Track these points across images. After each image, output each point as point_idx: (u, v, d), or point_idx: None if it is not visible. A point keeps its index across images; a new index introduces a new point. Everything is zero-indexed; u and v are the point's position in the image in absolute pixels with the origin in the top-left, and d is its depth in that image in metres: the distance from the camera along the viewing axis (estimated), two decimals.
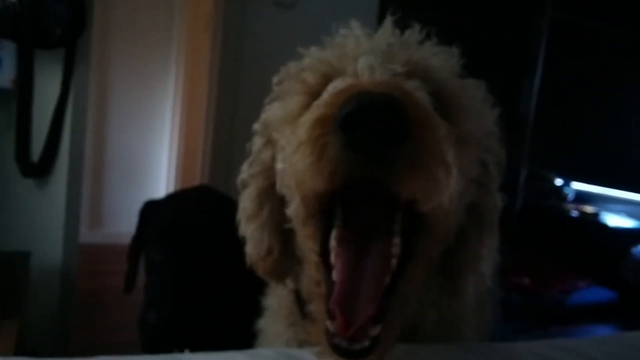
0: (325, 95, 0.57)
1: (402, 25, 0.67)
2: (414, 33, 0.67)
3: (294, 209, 0.61)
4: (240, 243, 0.76)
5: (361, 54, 0.60)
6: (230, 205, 0.81)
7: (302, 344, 0.76)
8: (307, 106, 0.61)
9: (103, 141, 4.02)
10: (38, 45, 1.79)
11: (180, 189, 1.38)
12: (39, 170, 1.90)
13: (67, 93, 1.91)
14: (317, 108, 0.54)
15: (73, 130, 1.94)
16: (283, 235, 0.70)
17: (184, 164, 4.01)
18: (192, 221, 1.14)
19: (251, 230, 0.74)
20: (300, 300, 0.74)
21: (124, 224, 3.93)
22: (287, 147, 0.60)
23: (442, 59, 0.63)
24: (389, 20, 0.68)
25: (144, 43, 4.00)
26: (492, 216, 0.70)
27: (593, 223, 2.91)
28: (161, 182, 4.21)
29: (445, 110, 0.60)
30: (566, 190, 3.16)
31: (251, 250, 0.74)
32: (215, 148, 2.33)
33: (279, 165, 0.66)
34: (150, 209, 1.26)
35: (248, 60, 2.34)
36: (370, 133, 0.47)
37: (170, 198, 1.30)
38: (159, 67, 4.07)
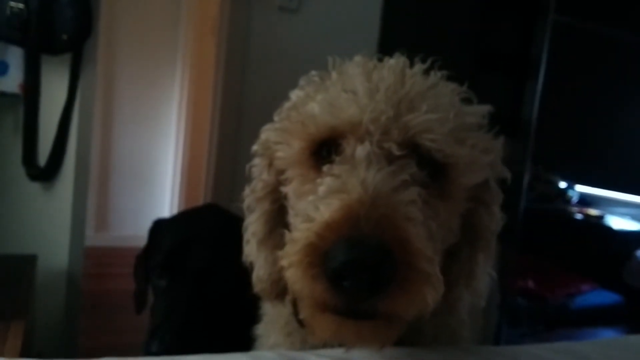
0: (317, 223, 0.53)
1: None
2: (416, 80, 0.63)
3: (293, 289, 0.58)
4: (244, 267, 0.75)
5: (362, 126, 0.59)
6: (236, 227, 0.79)
7: None
8: (308, 149, 0.64)
9: (109, 145, 4.05)
10: (45, 51, 1.80)
11: (187, 209, 1.35)
12: (46, 174, 1.91)
13: (73, 98, 1.92)
14: (309, 232, 0.53)
15: (79, 134, 1.95)
16: None
17: (190, 168, 4.02)
18: (195, 247, 1.12)
19: (264, 255, 0.72)
20: (297, 308, 0.74)
21: (129, 227, 3.96)
22: (294, 199, 0.65)
23: (438, 121, 0.60)
24: (391, 67, 0.65)
25: (150, 48, 4.03)
26: (489, 236, 0.68)
27: (597, 226, 2.90)
28: (167, 185, 4.23)
29: (439, 170, 0.61)
30: (570, 193, 3.15)
31: (263, 274, 0.72)
32: (221, 152, 2.34)
33: (291, 220, 0.66)
34: (158, 229, 1.25)
35: (253, 64, 2.35)
36: (357, 284, 0.49)
37: (176, 220, 1.28)
38: (164, 71, 4.10)
